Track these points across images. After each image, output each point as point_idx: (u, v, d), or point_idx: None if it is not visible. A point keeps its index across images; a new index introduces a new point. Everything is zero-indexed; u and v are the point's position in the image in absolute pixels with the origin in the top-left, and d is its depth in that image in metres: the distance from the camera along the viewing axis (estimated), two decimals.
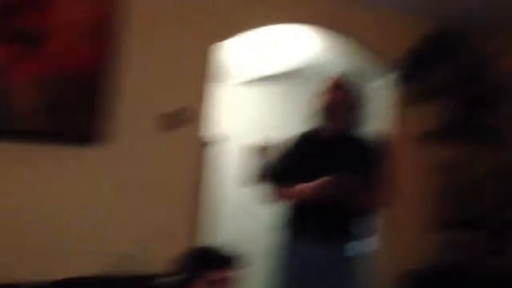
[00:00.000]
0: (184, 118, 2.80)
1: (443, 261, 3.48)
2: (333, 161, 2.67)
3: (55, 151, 2.52)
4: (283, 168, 2.77)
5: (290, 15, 3.12)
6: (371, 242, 3.25)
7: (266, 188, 2.80)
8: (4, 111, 2.37)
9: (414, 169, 3.48)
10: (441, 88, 3.42)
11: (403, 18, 3.37)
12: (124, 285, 2.45)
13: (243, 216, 4.67)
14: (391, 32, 3.38)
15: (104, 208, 2.64)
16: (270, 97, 4.88)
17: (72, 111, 2.50)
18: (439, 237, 3.57)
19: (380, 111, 3.45)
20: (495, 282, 3.11)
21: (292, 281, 2.66)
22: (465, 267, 3.31)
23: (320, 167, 2.63)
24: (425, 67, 3.40)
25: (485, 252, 3.24)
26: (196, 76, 2.88)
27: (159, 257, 2.54)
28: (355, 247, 2.72)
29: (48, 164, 2.53)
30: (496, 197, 3.39)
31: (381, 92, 3.48)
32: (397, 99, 3.43)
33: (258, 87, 4.78)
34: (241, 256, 2.03)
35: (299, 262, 2.65)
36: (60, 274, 2.37)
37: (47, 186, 2.54)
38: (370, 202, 2.73)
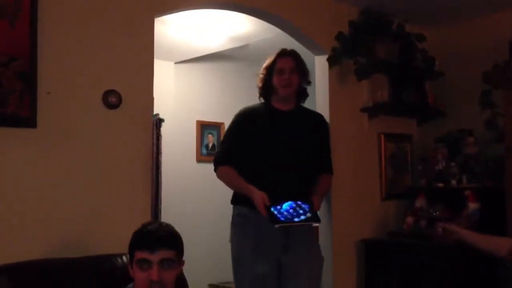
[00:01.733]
0: None
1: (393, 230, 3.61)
2: (295, 132, 2.68)
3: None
4: (233, 146, 2.69)
5: None
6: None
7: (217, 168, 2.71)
8: None
9: (354, 141, 3.63)
10: (372, 67, 3.56)
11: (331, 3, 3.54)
12: (72, 268, 2.30)
13: (197, 192, 4.61)
14: (320, 17, 3.50)
15: (50, 190, 2.48)
16: (213, 76, 4.84)
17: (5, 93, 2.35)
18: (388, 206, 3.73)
19: (318, 88, 3.55)
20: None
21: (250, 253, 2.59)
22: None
23: (281, 138, 2.65)
24: (354, 49, 3.53)
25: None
26: (140, 50, 2.75)
27: (109, 239, 2.47)
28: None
29: None
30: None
31: (317, 70, 3.57)
32: (331, 78, 3.53)
33: (200, 65, 4.73)
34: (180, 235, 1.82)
35: (258, 233, 2.58)
36: (2, 259, 2.18)
37: None
38: (330, 181, 2.80)
